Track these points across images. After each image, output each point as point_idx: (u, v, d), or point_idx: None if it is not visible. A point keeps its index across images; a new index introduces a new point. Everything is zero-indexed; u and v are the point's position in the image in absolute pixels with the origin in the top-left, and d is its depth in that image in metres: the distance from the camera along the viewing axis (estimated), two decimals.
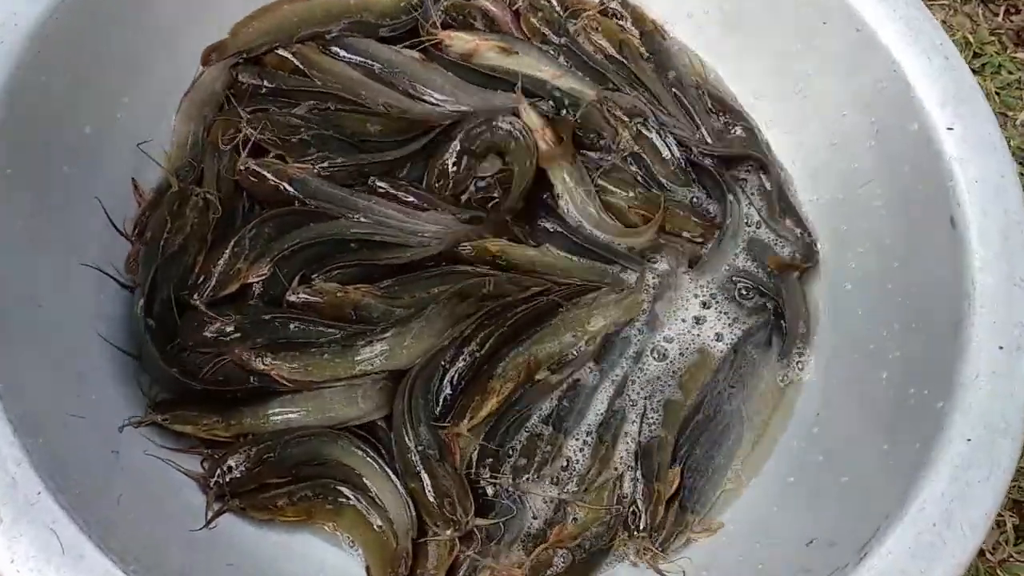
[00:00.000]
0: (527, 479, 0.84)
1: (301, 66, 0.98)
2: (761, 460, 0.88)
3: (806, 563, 0.71)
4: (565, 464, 0.86)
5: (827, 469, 0.81)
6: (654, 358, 0.91)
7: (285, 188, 0.91)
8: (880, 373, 0.82)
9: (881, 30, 0.88)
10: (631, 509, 0.83)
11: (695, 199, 0.99)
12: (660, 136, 0.98)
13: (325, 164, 0.93)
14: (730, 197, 0.98)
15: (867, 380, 0.84)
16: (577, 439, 0.88)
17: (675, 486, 0.83)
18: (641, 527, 0.82)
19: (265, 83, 0.97)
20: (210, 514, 0.78)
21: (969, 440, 0.70)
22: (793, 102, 0.99)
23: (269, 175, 0.91)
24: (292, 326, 0.86)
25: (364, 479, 0.83)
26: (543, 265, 0.93)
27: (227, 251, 0.87)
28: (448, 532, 0.79)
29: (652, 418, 0.89)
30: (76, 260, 0.82)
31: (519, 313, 0.89)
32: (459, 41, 1.00)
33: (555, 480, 0.85)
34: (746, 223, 0.99)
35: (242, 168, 0.91)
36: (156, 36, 0.91)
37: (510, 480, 0.84)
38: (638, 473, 0.84)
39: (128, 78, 0.89)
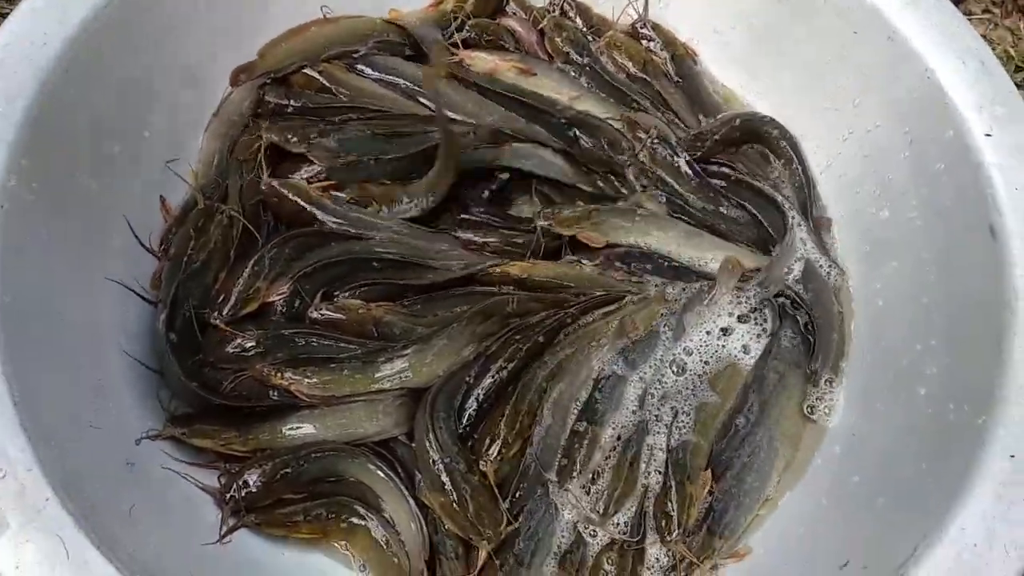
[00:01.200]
0: (575, 478, 0.82)
1: (328, 84, 0.98)
2: (793, 481, 0.84)
3: None
4: (592, 477, 0.83)
5: (862, 491, 0.77)
6: (672, 371, 0.88)
7: (307, 208, 0.91)
8: (918, 390, 0.78)
9: (914, 38, 0.86)
10: (663, 513, 0.80)
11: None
12: (677, 153, 0.97)
13: (352, 158, 0.93)
14: (779, 198, 0.96)
15: (904, 397, 0.80)
16: (608, 440, 0.85)
17: (707, 488, 0.80)
18: (674, 531, 0.79)
19: (291, 102, 0.98)
20: (224, 528, 0.77)
21: (1013, 456, 0.66)
22: (824, 115, 0.97)
23: (290, 195, 0.91)
24: (313, 342, 0.86)
25: (379, 497, 0.81)
26: (568, 279, 0.92)
27: (247, 270, 0.87)
28: (484, 544, 0.77)
29: (683, 421, 0.86)
30: (101, 274, 0.83)
31: (542, 328, 0.88)
32: (479, 61, 1.00)
33: (587, 491, 0.83)
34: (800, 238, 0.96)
35: (265, 187, 0.91)
36: (184, 57, 0.92)
37: (554, 481, 0.82)
38: (670, 477, 0.81)
39: (156, 98, 0.90)
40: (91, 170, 0.83)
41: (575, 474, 0.83)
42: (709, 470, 0.82)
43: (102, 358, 0.80)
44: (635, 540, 0.79)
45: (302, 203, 0.91)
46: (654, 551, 0.79)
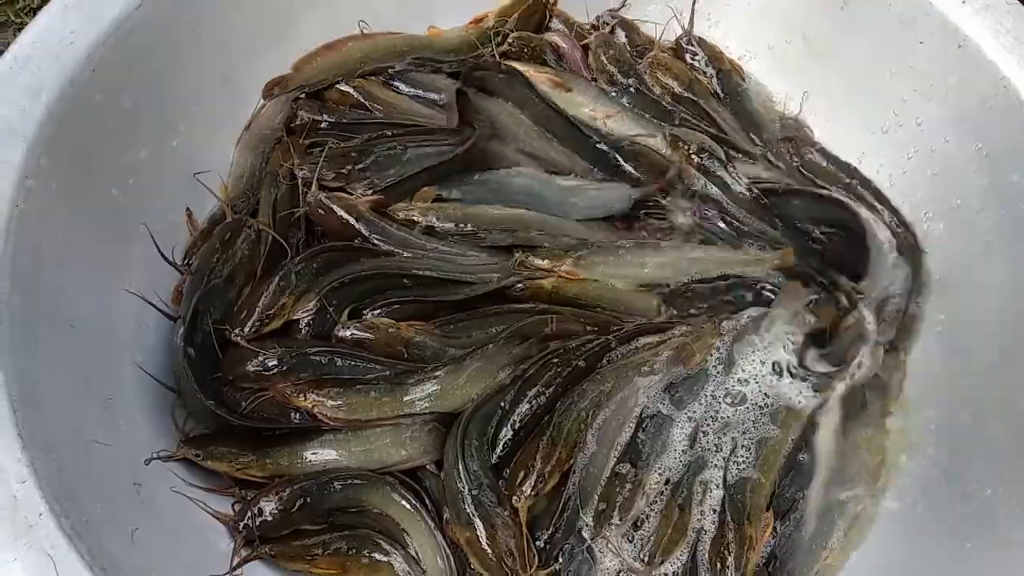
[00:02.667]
0: (612, 525, 0.74)
1: (363, 100, 0.95)
2: (865, 528, 0.76)
3: None
4: (636, 524, 0.75)
5: (948, 535, 0.69)
6: (728, 403, 0.81)
7: (352, 224, 0.86)
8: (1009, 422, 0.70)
9: (986, 45, 0.80)
10: (719, 558, 0.72)
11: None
12: (727, 169, 0.91)
13: (386, 184, 0.88)
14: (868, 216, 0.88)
15: (991, 429, 0.72)
16: (654, 487, 0.77)
17: (769, 531, 0.72)
18: None
19: (325, 118, 0.94)
20: (236, 560, 0.70)
21: None
22: (887, 131, 0.91)
23: (338, 209, 0.87)
24: (338, 361, 0.80)
25: (404, 532, 0.75)
26: (604, 300, 0.86)
27: (272, 285, 0.82)
28: None
29: (743, 456, 0.78)
30: (119, 284, 0.78)
31: (584, 353, 0.81)
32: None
33: (629, 538, 0.75)
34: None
35: (311, 201, 0.86)
36: (217, 66, 0.90)
37: (590, 525, 0.74)
38: (728, 518, 0.73)
39: (186, 106, 0.87)
40: (114, 176, 0.79)
41: (613, 521, 0.75)
42: (771, 511, 0.74)
43: (114, 371, 0.75)
44: None
45: (351, 219, 0.86)
46: None
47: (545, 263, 0.86)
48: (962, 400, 0.79)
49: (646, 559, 0.74)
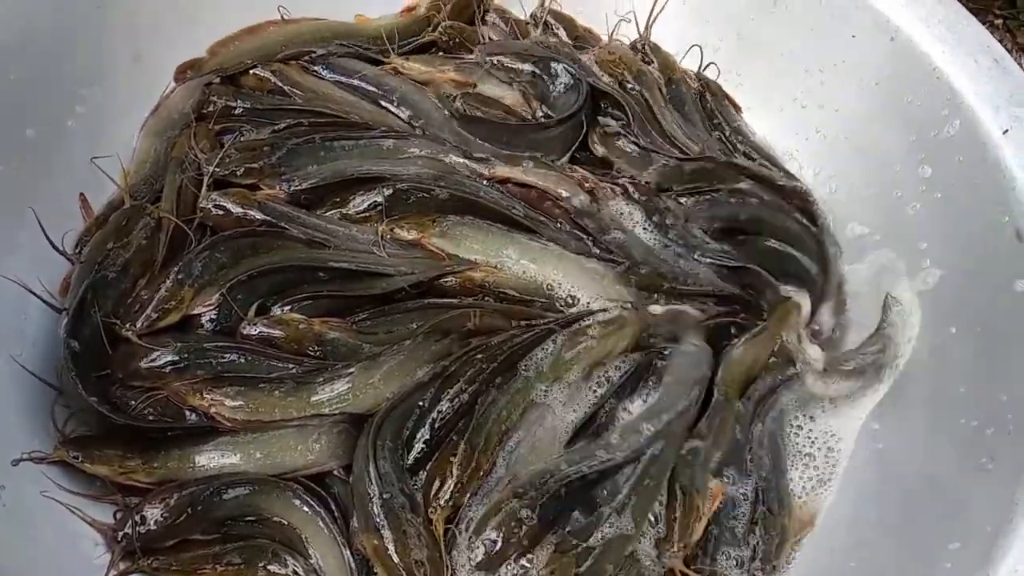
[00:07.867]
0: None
1: (281, 84, 0.90)
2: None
3: None
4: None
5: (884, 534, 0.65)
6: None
7: (253, 217, 0.80)
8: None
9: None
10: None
11: None
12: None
13: (299, 184, 0.83)
14: None
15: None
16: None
17: (717, 502, 0.69)
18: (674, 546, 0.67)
19: (239, 103, 0.89)
20: (112, 573, 0.63)
21: None
22: (820, 130, 0.89)
23: (235, 208, 0.80)
24: (240, 359, 0.74)
25: (306, 541, 0.68)
26: (539, 292, 0.81)
27: (171, 275, 0.76)
28: None
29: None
30: None
31: (511, 346, 0.76)
32: (414, 71, 0.93)
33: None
34: None
35: (205, 206, 0.80)
36: (126, 46, 0.84)
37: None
38: (676, 485, 0.70)
39: (87, 86, 0.81)
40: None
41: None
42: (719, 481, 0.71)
43: None
44: None
45: (250, 212, 0.80)
46: None
47: (412, 234, 0.81)
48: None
49: None
